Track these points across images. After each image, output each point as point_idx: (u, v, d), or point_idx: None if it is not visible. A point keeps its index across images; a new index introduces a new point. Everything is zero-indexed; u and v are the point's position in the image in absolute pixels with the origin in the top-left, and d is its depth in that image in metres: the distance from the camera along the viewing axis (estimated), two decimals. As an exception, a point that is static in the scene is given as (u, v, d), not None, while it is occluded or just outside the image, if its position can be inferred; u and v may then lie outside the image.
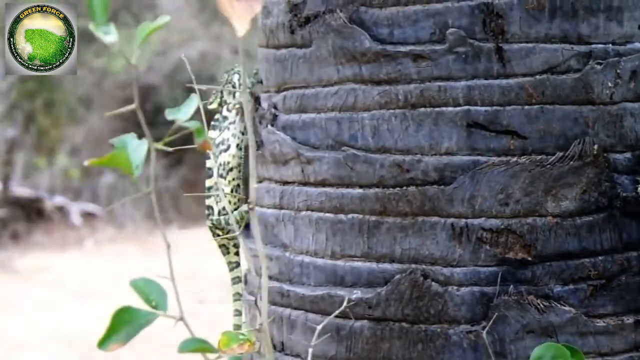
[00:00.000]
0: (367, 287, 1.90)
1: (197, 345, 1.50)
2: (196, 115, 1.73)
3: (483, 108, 1.85)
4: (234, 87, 2.17)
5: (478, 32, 1.85)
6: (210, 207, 2.17)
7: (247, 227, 2.16)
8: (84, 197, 11.96)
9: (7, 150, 11.66)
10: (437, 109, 1.86)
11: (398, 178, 1.88)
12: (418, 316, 1.87)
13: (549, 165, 1.82)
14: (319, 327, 1.78)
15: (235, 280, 2.20)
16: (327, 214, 1.94)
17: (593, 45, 1.85)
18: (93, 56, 11.67)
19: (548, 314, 1.82)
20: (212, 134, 2.15)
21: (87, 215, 11.80)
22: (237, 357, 1.70)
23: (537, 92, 1.84)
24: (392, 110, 1.89)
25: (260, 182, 2.08)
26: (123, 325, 1.44)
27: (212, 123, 2.16)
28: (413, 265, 1.87)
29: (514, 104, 1.84)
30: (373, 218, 1.90)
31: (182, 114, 1.48)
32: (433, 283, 1.85)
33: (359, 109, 1.91)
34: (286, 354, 2.00)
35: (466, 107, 1.85)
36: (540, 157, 1.83)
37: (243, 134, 2.14)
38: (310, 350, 1.76)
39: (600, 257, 1.85)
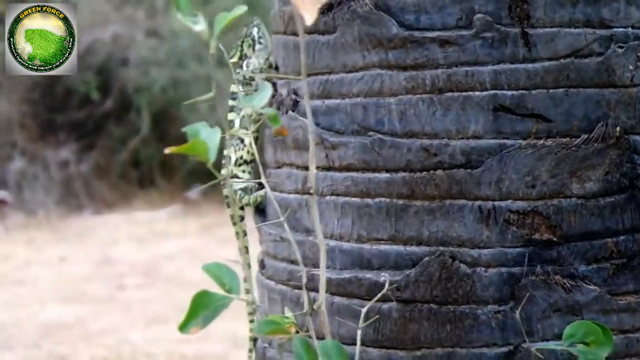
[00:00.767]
0: (394, 270, 1.94)
1: (273, 326, 1.53)
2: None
3: (509, 92, 1.89)
4: (252, 40, 2.18)
5: (504, 18, 1.89)
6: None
7: (262, 211, 2.17)
8: (-8, 184, 11.73)
9: None
10: (464, 93, 1.90)
11: (425, 162, 1.92)
12: (446, 297, 1.91)
13: (574, 148, 1.88)
14: (363, 310, 1.81)
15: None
16: (353, 199, 1.97)
17: (614, 29, 1.91)
18: None
19: (574, 293, 1.88)
20: (231, 115, 2.16)
21: (-4, 202, 11.58)
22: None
23: (561, 76, 1.89)
24: (419, 95, 1.92)
25: (279, 167, 2.10)
26: (201, 309, 1.48)
27: (230, 103, 2.17)
28: (441, 248, 1.91)
29: (540, 87, 1.89)
30: (400, 202, 1.93)
31: (257, 101, 1.49)
32: (461, 265, 1.90)
33: (386, 95, 1.94)
34: (309, 337, 2.02)
35: (493, 92, 1.89)
36: (565, 139, 1.88)
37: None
38: (358, 332, 1.79)
39: (622, 237, 1.91)
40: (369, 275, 1.95)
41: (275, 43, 2.13)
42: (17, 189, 11.40)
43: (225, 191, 2.17)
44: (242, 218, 2.22)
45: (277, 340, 2.01)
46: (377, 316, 1.92)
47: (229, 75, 2.11)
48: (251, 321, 2.18)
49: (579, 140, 1.88)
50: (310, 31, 2.01)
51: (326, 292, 1.98)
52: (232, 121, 2.18)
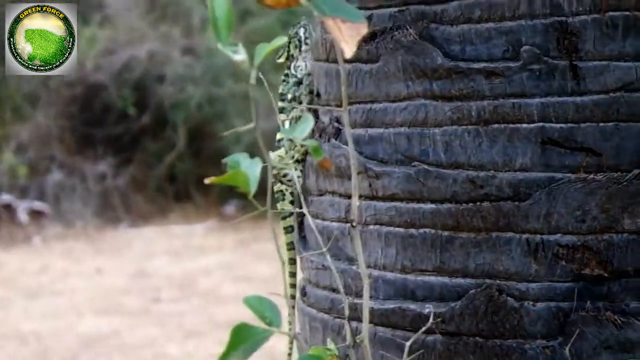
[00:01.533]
0: (439, 302, 1.91)
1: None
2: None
3: (558, 125, 1.86)
4: (299, 41, 2.17)
5: (552, 50, 1.86)
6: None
7: (304, 238, 2.16)
8: (30, 196, 11.80)
9: (-48, 148, 11.47)
10: (511, 125, 1.87)
11: (472, 194, 1.89)
12: (493, 331, 1.88)
13: (625, 183, 1.85)
14: (407, 343, 1.78)
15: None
16: (397, 229, 1.95)
17: (663, 63, 1.88)
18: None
19: (625, 329, 1.85)
20: (281, 116, 2.15)
21: (34, 213, 11.64)
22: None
23: (611, 110, 1.86)
24: (464, 126, 1.90)
25: (321, 194, 2.09)
26: (241, 342, 1.47)
27: (279, 105, 2.16)
28: (487, 280, 1.88)
29: (589, 121, 1.86)
30: (446, 233, 1.91)
31: (298, 133, 1.48)
32: (509, 298, 1.87)
33: (430, 125, 1.92)
34: (351, 368, 2.00)
35: (541, 124, 1.87)
36: (616, 174, 1.85)
37: None
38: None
39: (672, 273, 1.88)
40: (413, 306, 1.92)
41: (317, 70, 2.12)
42: (55, 201, 11.46)
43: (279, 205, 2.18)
44: (292, 229, 2.21)
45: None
46: (421, 349, 1.90)
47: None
48: (290, 354, 2.17)
49: (630, 175, 1.85)
50: (352, 60, 1.99)
51: (369, 323, 1.96)
52: (282, 122, 2.18)
